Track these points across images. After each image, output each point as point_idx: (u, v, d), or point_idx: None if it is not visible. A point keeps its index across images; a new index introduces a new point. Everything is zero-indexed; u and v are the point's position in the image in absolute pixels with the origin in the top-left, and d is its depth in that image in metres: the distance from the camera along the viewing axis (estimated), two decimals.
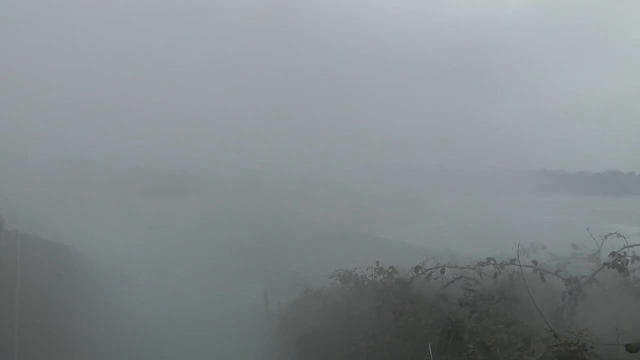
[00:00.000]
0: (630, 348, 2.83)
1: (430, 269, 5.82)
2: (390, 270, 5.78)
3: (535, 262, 4.68)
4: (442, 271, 5.58)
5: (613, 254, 4.61)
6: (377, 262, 5.54)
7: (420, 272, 6.02)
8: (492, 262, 4.86)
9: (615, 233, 4.69)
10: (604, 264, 4.44)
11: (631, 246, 4.63)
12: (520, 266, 4.51)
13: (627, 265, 4.33)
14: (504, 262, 4.74)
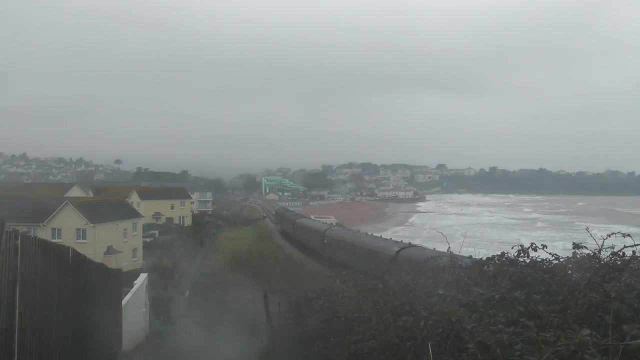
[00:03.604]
0: (629, 347, 2.83)
1: (430, 269, 5.83)
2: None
3: (535, 262, 4.68)
4: (443, 271, 5.59)
5: (614, 254, 4.61)
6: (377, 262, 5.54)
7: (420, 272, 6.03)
8: (492, 262, 4.87)
9: (615, 232, 4.69)
10: (604, 263, 4.44)
11: (632, 246, 4.63)
12: (520, 266, 4.51)
13: (627, 265, 4.34)
14: (504, 262, 4.74)
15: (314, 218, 78.62)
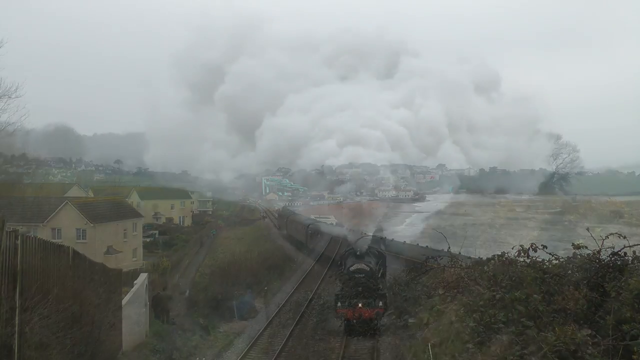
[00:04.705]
0: (629, 347, 2.83)
1: (431, 269, 5.84)
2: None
3: (535, 262, 4.69)
4: (443, 271, 5.59)
5: (614, 254, 4.61)
6: (377, 263, 5.54)
7: (421, 272, 6.03)
8: (493, 262, 4.87)
9: (615, 233, 4.69)
10: (604, 263, 4.45)
11: (631, 246, 4.63)
12: (520, 266, 4.51)
13: (627, 265, 4.34)
14: (504, 262, 4.75)
15: (313, 218, 78.41)
